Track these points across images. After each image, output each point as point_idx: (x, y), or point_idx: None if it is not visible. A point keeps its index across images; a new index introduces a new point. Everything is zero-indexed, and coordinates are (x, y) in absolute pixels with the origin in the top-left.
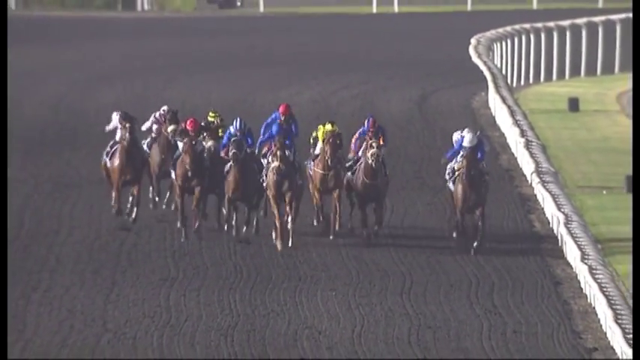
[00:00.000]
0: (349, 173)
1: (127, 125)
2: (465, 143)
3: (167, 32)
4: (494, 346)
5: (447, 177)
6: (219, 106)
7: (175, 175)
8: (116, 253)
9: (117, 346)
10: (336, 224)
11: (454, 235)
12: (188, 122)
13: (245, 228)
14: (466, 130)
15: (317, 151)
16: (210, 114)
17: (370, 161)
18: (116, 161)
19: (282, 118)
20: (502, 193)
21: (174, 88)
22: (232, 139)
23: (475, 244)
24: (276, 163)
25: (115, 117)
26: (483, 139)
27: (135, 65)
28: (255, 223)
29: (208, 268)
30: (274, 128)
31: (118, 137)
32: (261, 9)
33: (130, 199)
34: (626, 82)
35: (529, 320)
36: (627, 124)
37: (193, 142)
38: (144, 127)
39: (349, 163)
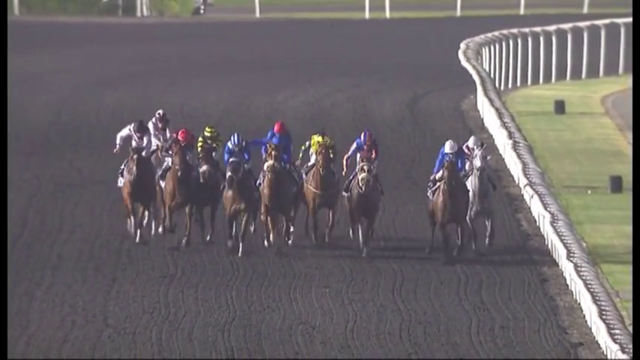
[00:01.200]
0: (344, 193)
1: (137, 135)
2: (446, 149)
3: (166, 37)
4: (482, 341)
5: (429, 188)
6: (217, 109)
7: (164, 190)
8: (116, 251)
9: (117, 341)
10: (325, 237)
11: (427, 250)
12: (180, 132)
13: (240, 242)
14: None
15: (312, 161)
16: (207, 129)
17: (361, 185)
18: (128, 177)
19: (278, 136)
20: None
21: (173, 92)
22: (230, 161)
23: (454, 253)
24: (270, 162)
25: (126, 129)
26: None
27: (135, 69)
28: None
29: (206, 266)
30: (275, 140)
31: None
32: (257, 14)
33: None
34: (611, 86)
35: (516, 316)
36: (611, 125)
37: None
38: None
39: (345, 186)
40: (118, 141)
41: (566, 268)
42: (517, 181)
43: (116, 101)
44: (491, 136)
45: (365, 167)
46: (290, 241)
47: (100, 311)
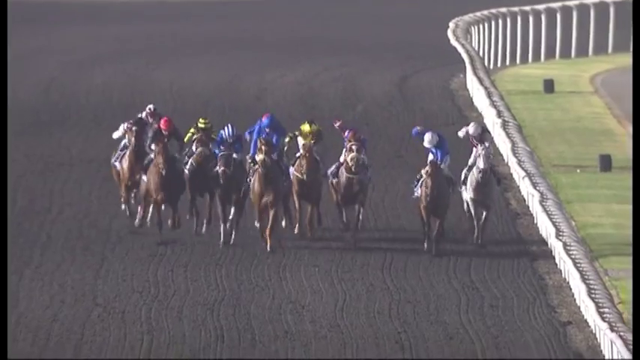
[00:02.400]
0: (334, 180)
1: (134, 129)
2: (425, 143)
3: (156, 16)
4: (471, 320)
5: (415, 184)
6: (206, 88)
7: (147, 183)
8: (106, 230)
9: (106, 319)
10: (310, 229)
11: (425, 245)
12: (162, 122)
13: (233, 232)
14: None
15: (299, 153)
16: (201, 121)
17: (351, 164)
18: (125, 164)
19: (269, 127)
20: None
21: (162, 71)
22: (220, 154)
23: (433, 245)
24: (261, 157)
25: (122, 126)
26: (444, 139)
27: (125, 48)
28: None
29: (195, 245)
30: (264, 122)
31: (126, 141)
32: None
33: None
34: (600, 65)
35: (505, 295)
36: (600, 105)
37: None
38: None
39: (332, 169)
40: (117, 136)
41: (555, 246)
42: (506, 160)
43: (106, 80)
44: (481, 115)
45: (354, 147)
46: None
47: (90, 290)
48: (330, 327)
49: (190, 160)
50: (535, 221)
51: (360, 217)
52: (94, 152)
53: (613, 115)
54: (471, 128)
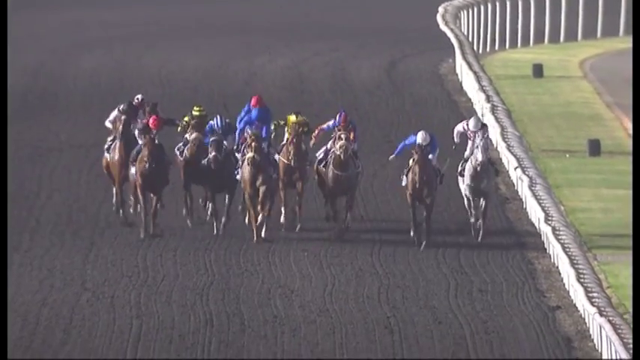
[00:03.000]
0: (320, 165)
1: (123, 118)
2: (419, 140)
3: (145, 1)
4: (460, 305)
5: (403, 175)
6: (195, 74)
7: (135, 173)
8: (95, 215)
9: (95, 304)
10: (297, 217)
11: (411, 234)
12: (151, 120)
13: (223, 220)
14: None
15: (285, 140)
16: (196, 108)
17: (339, 153)
18: (116, 155)
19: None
20: None
21: (151, 56)
22: (211, 140)
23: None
24: (250, 154)
25: (115, 112)
26: (435, 138)
27: (113, 33)
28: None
29: (184, 230)
30: (253, 113)
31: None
32: None
33: (132, 198)
34: (589, 49)
35: (494, 279)
36: (589, 89)
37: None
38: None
39: (320, 156)
40: (108, 125)
41: (544, 231)
42: (495, 145)
43: (94, 65)
44: (470, 99)
45: (342, 135)
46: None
47: (79, 275)
48: (319, 312)
49: (185, 150)
50: (524, 206)
51: (348, 216)
52: (82, 137)
53: (602, 100)
54: (471, 123)
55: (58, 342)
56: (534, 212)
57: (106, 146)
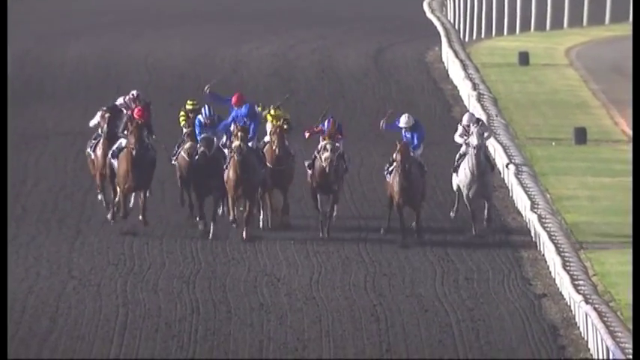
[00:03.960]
0: (308, 169)
1: (107, 116)
2: (401, 124)
3: None
4: (446, 292)
5: (386, 169)
6: (182, 61)
7: (117, 172)
8: (81, 203)
9: (82, 292)
10: (281, 215)
11: (381, 231)
12: (136, 110)
13: (212, 223)
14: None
15: (266, 138)
16: (189, 102)
17: (324, 165)
18: (99, 153)
19: (237, 109)
20: (454, 144)
21: (138, 43)
22: (201, 137)
23: (415, 236)
24: (236, 143)
25: (99, 113)
26: (419, 123)
27: (99, 20)
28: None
29: (170, 218)
30: (243, 110)
31: (99, 130)
32: None
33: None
34: (575, 37)
35: (480, 267)
36: (575, 77)
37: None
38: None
39: (308, 163)
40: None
41: (530, 219)
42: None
43: (80, 53)
44: (456, 87)
45: (328, 146)
46: (261, 223)
47: (65, 263)
48: (305, 299)
49: (181, 152)
50: (510, 194)
51: (335, 208)
52: (69, 125)
53: (588, 88)
54: (465, 117)
55: (44, 330)
56: (520, 200)
57: (90, 144)
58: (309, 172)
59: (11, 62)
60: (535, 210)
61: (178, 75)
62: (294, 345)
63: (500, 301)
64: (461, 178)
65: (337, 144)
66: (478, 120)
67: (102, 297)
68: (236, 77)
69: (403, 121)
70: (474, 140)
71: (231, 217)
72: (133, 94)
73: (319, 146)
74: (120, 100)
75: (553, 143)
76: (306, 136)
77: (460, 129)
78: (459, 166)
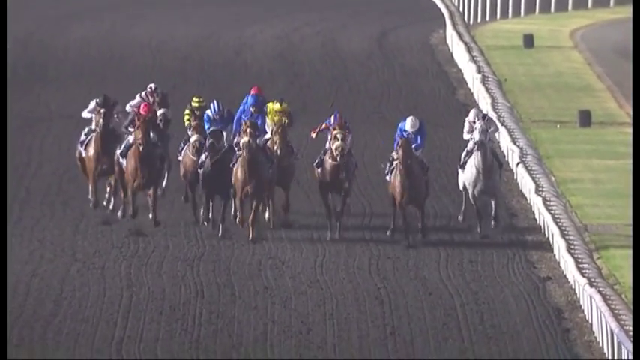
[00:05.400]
0: (317, 168)
1: (102, 111)
2: (407, 127)
3: None
4: (451, 275)
5: (386, 169)
6: (185, 44)
7: (125, 170)
8: (85, 186)
9: (86, 275)
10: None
11: (388, 233)
12: (142, 106)
13: (221, 223)
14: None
15: (267, 135)
16: (195, 99)
17: (336, 154)
18: (91, 150)
19: (254, 107)
20: (458, 127)
21: (141, 26)
22: (210, 131)
23: (419, 236)
24: (245, 139)
25: (93, 103)
26: (424, 125)
27: (102, 3)
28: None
29: (175, 200)
30: (250, 100)
31: (93, 125)
32: None
33: (108, 189)
34: (580, 20)
35: (485, 250)
36: (580, 60)
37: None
38: (128, 108)
39: (316, 162)
40: (86, 116)
41: (535, 202)
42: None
43: (84, 35)
44: (460, 70)
45: (339, 136)
46: (270, 223)
47: (69, 245)
48: (309, 282)
49: (186, 150)
50: (515, 177)
51: (347, 203)
52: (73, 108)
53: (592, 71)
54: (471, 113)
55: (48, 313)
56: (525, 183)
57: (80, 140)
58: (318, 170)
59: (14, 45)
60: (539, 193)
61: (182, 58)
62: (299, 328)
63: (504, 284)
64: (467, 176)
65: (347, 137)
66: (484, 116)
67: (106, 280)
68: (240, 60)
69: (409, 124)
70: (476, 136)
71: (238, 218)
72: (150, 87)
73: (328, 139)
74: (137, 98)
75: (558, 126)
76: (313, 136)
77: (467, 125)
78: (465, 162)
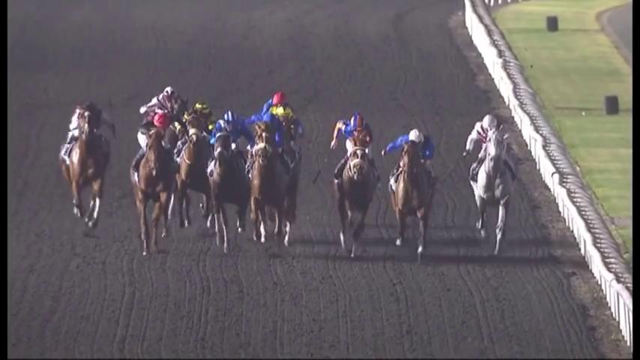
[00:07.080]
0: (335, 180)
1: (87, 114)
2: (412, 137)
3: None
4: (470, 271)
5: (390, 175)
6: (191, 26)
7: (138, 177)
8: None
9: (86, 270)
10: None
11: (397, 242)
12: (156, 117)
13: (237, 233)
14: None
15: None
16: (198, 105)
17: (352, 173)
18: (75, 156)
19: (279, 111)
20: (478, 114)
21: (144, 8)
22: (218, 135)
23: (419, 249)
24: (261, 145)
25: (76, 113)
26: (431, 139)
27: None
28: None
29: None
30: (265, 118)
31: (76, 132)
32: None
33: (92, 202)
34: (607, 1)
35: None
36: (607, 43)
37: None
38: (142, 110)
39: (335, 172)
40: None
41: (559, 193)
42: (507, 103)
43: (84, 18)
44: (480, 54)
45: (358, 152)
46: (286, 238)
47: (68, 239)
48: (321, 278)
49: (183, 150)
50: (537, 167)
51: (363, 227)
52: (72, 94)
53: (620, 55)
54: (486, 120)
55: (46, 310)
56: (548, 174)
57: (63, 150)
58: (336, 181)
59: (11, 28)
60: (564, 184)
61: (188, 42)
62: (310, 326)
63: (526, 280)
64: (479, 184)
65: (367, 149)
66: (499, 124)
67: (107, 276)
68: (248, 44)
69: (413, 135)
70: (491, 150)
71: (255, 232)
72: (167, 92)
73: (348, 153)
74: (154, 100)
75: (583, 113)
76: (333, 146)
77: (475, 132)
78: (477, 173)
